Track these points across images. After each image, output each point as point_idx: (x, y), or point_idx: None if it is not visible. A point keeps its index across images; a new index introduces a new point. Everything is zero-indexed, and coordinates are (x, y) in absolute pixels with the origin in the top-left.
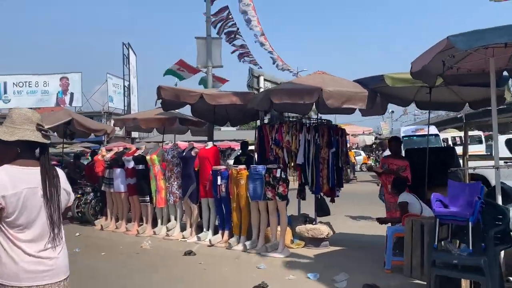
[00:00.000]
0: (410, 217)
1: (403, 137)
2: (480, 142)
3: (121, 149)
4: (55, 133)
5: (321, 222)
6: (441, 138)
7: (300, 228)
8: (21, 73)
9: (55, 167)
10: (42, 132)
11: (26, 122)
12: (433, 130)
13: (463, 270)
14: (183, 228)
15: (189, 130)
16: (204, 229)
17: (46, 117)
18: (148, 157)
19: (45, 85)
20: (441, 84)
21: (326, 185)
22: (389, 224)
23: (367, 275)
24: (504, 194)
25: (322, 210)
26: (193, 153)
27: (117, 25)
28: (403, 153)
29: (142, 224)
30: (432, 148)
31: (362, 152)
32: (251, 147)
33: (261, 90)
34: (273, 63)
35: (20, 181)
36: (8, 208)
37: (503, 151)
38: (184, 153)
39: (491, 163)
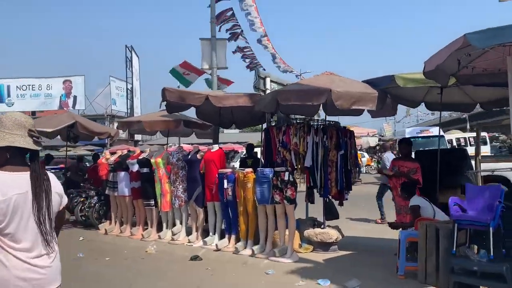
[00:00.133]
0: (424, 221)
1: (400, 139)
2: (485, 143)
3: (125, 152)
4: (59, 136)
5: (329, 226)
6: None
7: (309, 232)
8: (25, 77)
9: (46, 171)
10: (34, 138)
11: (17, 127)
12: (438, 131)
13: (482, 277)
14: (188, 233)
15: (194, 133)
16: (210, 234)
17: (49, 120)
18: (153, 160)
19: (48, 88)
20: (454, 84)
21: (334, 188)
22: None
23: (380, 281)
24: None
25: (330, 213)
26: (198, 156)
27: (119, 28)
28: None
29: (147, 228)
30: (443, 149)
31: (366, 154)
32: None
33: (268, 91)
34: (274, 64)
35: (9, 187)
36: None
37: None
38: (190, 156)
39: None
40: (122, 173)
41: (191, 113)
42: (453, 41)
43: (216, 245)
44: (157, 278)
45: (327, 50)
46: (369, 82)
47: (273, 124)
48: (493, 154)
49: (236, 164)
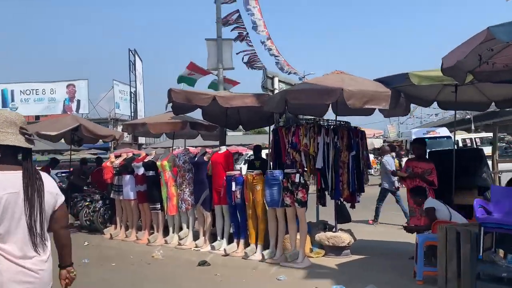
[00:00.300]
0: (443, 225)
1: (414, 139)
2: (491, 143)
3: (130, 155)
4: (62, 140)
5: (341, 230)
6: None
7: (320, 236)
8: (28, 81)
9: (39, 171)
10: (26, 136)
11: (8, 125)
12: (445, 131)
13: (511, 283)
14: (195, 237)
15: (200, 135)
16: (218, 238)
17: (53, 123)
18: (158, 163)
19: (52, 92)
20: (471, 81)
21: (346, 190)
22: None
23: (398, 287)
24: None
25: (342, 216)
26: (205, 158)
27: (122, 31)
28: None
29: (152, 233)
30: (459, 149)
31: (371, 156)
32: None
33: (276, 91)
34: (277, 66)
35: (0, 186)
36: None
37: None
38: (196, 158)
39: None
40: (128, 177)
41: (196, 115)
42: (475, 35)
43: (225, 249)
44: (164, 284)
45: (328, 51)
46: (381, 80)
47: (281, 125)
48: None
49: (239, 166)
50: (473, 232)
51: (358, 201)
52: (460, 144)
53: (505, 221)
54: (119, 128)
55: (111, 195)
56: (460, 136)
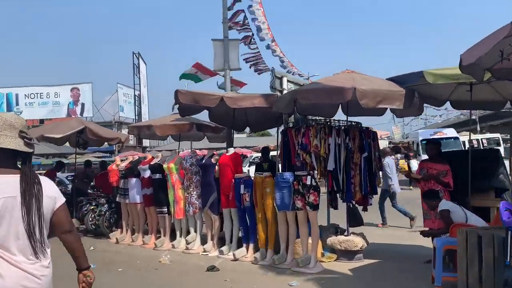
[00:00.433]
0: (464, 228)
1: (421, 140)
2: (498, 144)
3: (136, 157)
4: (67, 143)
5: (353, 233)
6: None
7: (332, 240)
8: (32, 85)
9: (38, 175)
10: (25, 139)
11: (7, 128)
12: (452, 132)
13: None
14: (203, 241)
15: (206, 137)
16: (227, 242)
17: (57, 126)
18: (165, 166)
19: (56, 96)
20: (487, 80)
21: (358, 192)
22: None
23: None
24: None
25: (355, 219)
26: (213, 160)
27: (126, 35)
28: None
29: (159, 237)
30: (475, 150)
31: None
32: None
33: (285, 91)
34: (282, 67)
35: None
36: None
37: None
38: (204, 161)
39: None
40: (134, 180)
41: (202, 116)
42: (497, 30)
43: (234, 254)
44: None
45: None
46: (394, 79)
47: (290, 126)
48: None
49: (245, 169)
50: (497, 236)
51: (371, 204)
52: (467, 145)
53: None
54: (124, 131)
55: (117, 199)
56: (467, 137)
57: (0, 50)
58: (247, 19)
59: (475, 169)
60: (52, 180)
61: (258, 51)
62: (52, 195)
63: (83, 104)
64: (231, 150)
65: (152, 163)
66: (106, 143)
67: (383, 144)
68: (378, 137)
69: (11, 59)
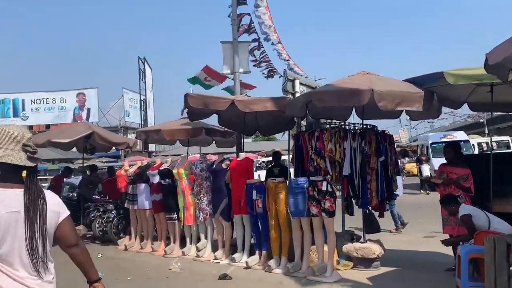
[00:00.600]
0: (491, 235)
1: (431, 144)
2: (508, 147)
3: (145, 162)
4: (74, 148)
5: (370, 240)
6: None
7: (348, 247)
8: (38, 91)
9: (43, 189)
10: (28, 153)
11: (10, 142)
12: (462, 135)
13: None
14: (214, 248)
15: (214, 142)
16: (239, 249)
17: (64, 131)
18: (175, 171)
19: (62, 101)
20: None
21: (375, 198)
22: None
23: None
24: None
25: (372, 226)
26: (223, 165)
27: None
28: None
29: (168, 244)
30: (497, 153)
31: None
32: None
33: (297, 94)
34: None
35: (1, 204)
36: None
37: None
38: (214, 166)
39: None
40: (142, 185)
41: (210, 121)
42: None
43: (246, 262)
44: None
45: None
46: (411, 81)
47: (302, 130)
48: None
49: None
50: None
51: (387, 209)
52: (476, 149)
53: None
54: (130, 137)
55: (125, 205)
56: (476, 140)
57: (6, 56)
58: (253, 22)
59: (496, 173)
60: (59, 186)
61: (266, 54)
62: (55, 209)
63: (89, 109)
64: (242, 155)
65: (161, 168)
66: (113, 148)
67: None
68: None
69: (17, 65)
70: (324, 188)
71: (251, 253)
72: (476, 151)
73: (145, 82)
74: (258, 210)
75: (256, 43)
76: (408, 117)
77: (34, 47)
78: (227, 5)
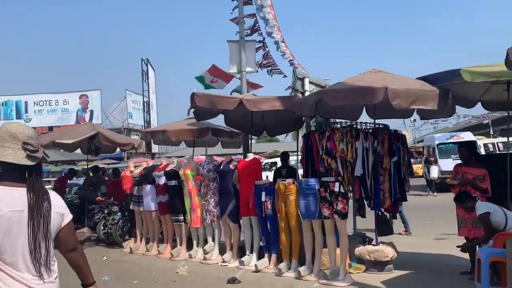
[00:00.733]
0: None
1: (437, 145)
2: None
3: (150, 163)
4: (78, 150)
5: (383, 243)
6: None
7: (360, 250)
8: (41, 92)
9: (47, 189)
10: (28, 152)
11: (9, 140)
12: (469, 136)
13: None
14: (221, 251)
15: (220, 142)
16: (247, 252)
17: (69, 131)
18: (181, 172)
19: (65, 103)
20: None
21: (388, 199)
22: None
23: None
24: None
25: (384, 228)
26: (231, 166)
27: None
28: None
29: (175, 246)
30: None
31: None
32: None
33: (307, 93)
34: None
35: (3, 202)
36: None
37: None
38: (222, 167)
39: None
40: (148, 187)
41: (216, 121)
42: None
43: (256, 265)
44: None
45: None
46: (425, 78)
47: (312, 129)
48: None
49: None
50: None
51: (400, 211)
52: (483, 150)
53: None
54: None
55: (131, 206)
56: (482, 141)
57: (9, 58)
58: (258, 23)
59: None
60: (63, 187)
61: (270, 54)
62: (60, 211)
63: (91, 111)
64: (250, 156)
65: (167, 169)
66: (118, 149)
67: None
68: None
69: (20, 66)
70: (336, 189)
71: (260, 256)
72: (483, 152)
73: (148, 84)
74: (267, 212)
75: (261, 44)
76: (412, 118)
77: (34, 48)
78: (229, 5)
